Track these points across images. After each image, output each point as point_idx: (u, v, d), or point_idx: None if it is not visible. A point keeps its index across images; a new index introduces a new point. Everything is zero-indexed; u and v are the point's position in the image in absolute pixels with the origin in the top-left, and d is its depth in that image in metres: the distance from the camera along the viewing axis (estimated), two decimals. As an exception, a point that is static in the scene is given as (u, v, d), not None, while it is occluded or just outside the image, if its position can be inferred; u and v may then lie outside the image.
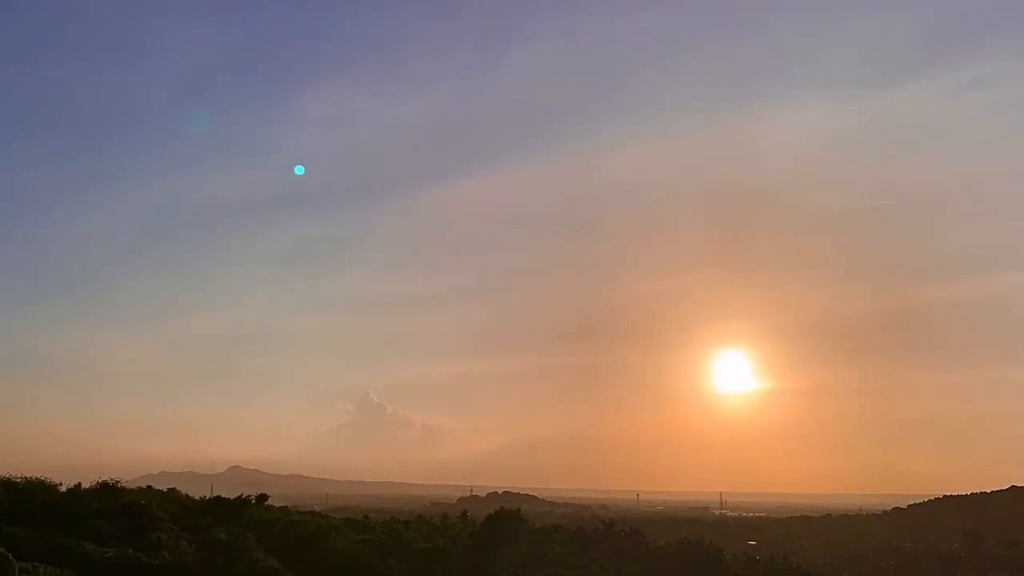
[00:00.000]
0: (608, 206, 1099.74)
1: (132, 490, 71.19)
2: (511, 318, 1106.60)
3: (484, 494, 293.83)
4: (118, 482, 66.54)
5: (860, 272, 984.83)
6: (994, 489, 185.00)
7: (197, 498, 77.25)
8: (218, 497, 75.82)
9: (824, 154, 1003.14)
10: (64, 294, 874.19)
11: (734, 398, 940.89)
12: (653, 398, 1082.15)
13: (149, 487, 79.99)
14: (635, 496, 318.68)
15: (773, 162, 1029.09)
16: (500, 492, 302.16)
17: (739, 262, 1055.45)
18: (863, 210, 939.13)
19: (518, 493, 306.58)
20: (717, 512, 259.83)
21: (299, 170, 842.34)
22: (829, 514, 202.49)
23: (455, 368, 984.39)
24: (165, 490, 78.28)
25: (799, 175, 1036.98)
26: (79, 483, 63.08)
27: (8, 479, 59.17)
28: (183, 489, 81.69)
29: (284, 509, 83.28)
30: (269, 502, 77.34)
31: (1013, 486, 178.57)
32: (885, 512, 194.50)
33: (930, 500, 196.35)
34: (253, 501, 73.37)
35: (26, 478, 60.11)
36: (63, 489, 61.83)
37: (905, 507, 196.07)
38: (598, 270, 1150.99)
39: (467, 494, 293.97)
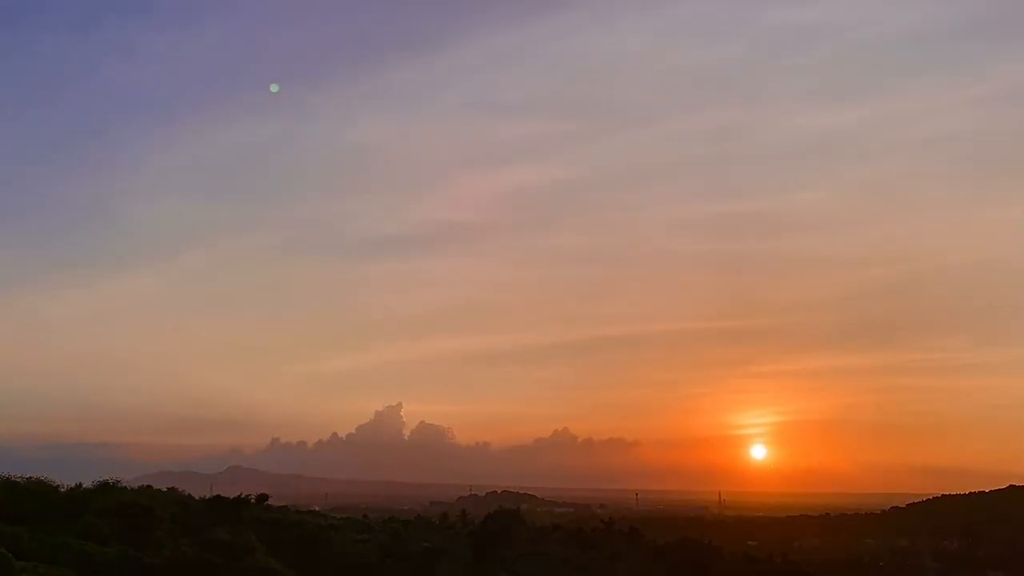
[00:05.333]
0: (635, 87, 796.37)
1: (132, 490, 71.31)
2: (522, 271, 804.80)
3: (483, 493, 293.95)
4: (118, 482, 66.74)
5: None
6: (993, 488, 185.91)
7: (197, 498, 77.34)
8: (218, 496, 75.88)
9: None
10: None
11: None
12: (660, 381, 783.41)
13: (149, 487, 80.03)
14: (634, 495, 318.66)
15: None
16: (499, 491, 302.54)
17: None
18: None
19: (517, 492, 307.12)
20: (716, 511, 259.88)
21: (274, 88, 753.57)
22: (828, 513, 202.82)
23: (449, 345, 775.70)
24: (165, 490, 78.34)
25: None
26: (79, 483, 63.17)
27: (8, 479, 59.20)
28: (182, 489, 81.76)
29: (284, 509, 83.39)
30: (269, 502, 77.46)
31: (1012, 485, 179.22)
32: (884, 511, 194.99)
33: (929, 499, 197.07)
34: (253, 501, 73.52)
35: (26, 478, 60.15)
36: (63, 489, 61.86)
37: (904, 506, 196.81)
38: (628, 190, 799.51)
39: (466, 493, 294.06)
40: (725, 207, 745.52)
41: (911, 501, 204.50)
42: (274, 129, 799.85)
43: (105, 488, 63.83)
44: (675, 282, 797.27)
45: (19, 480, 59.31)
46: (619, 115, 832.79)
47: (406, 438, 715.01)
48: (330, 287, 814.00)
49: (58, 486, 61.26)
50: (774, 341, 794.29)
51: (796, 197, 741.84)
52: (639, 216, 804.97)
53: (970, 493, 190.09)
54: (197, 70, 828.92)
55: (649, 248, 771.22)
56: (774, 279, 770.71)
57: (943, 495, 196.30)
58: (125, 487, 68.79)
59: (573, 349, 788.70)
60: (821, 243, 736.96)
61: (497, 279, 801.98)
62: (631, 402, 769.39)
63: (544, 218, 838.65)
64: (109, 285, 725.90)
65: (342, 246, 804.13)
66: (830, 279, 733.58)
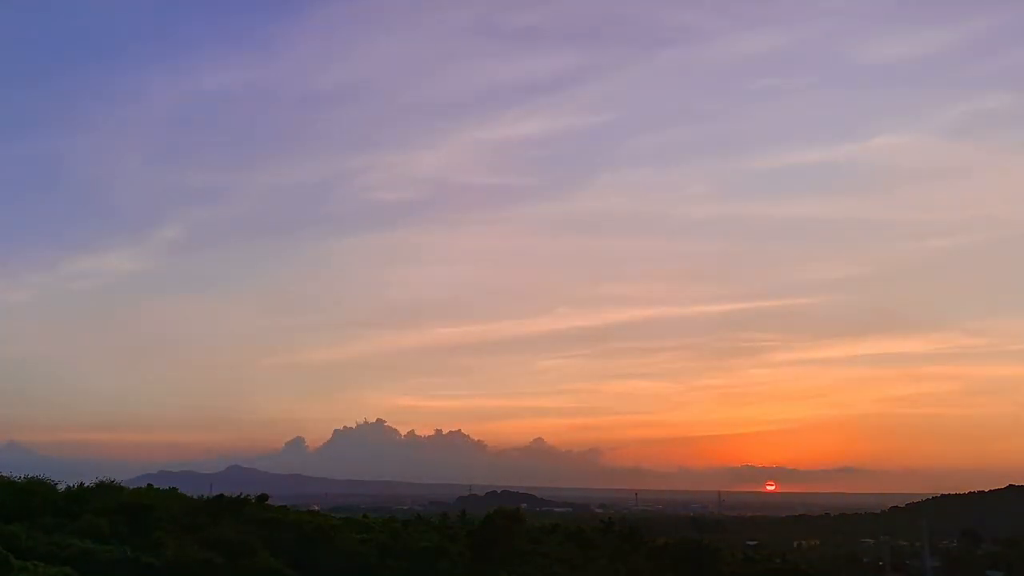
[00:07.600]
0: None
1: (132, 489, 71.15)
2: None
3: (483, 493, 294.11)
4: (116, 480, 66.60)
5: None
6: (992, 488, 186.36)
7: (197, 497, 77.20)
8: (218, 496, 75.73)
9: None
10: None
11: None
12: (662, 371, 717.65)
13: (149, 486, 79.89)
14: (634, 495, 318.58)
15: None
16: (499, 491, 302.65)
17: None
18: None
19: (517, 492, 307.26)
20: (716, 511, 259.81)
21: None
22: (828, 513, 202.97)
23: (447, 334, 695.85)
24: (165, 489, 78.20)
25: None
26: (80, 482, 63.09)
27: (7, 478, 59.12)
28: (183, 488, 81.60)
29: (284, 509, 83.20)
30: (269, 502, 77.34)
31: (1011, 485, 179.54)
32: (884, 511, 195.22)
33: (928, 499, 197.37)
34: (253, 500, 73.37)
35: (25, 477, 60.08)
36: (62, 488, 61.78)
37: (904, 506, 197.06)
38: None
39: (466, 493, 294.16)
40: (774, 161, 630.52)
41: (911, 501, 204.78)
42: (245, 75, 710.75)
43: (105, 487, 63.72)
44: (700, 257, 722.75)
45: (18, 479, 59.27)
46: (653, 40, 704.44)
47: (405, 437, 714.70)
48: (321, 267, 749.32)
49: (57, 485, 61.24)
50: (798, 327, 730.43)
51: (865, 146, 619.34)
52: (667, 173, 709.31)
53: (970, 493, 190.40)
54: (162, 4, 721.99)
55: (676, 215, 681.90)
56: (815, 252, 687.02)
57: (943, 495, 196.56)
58: (125, 486, 68.63)
59: (578, 338, 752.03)
60: (883, 205, 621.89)
61: (499, 256, 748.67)
62: (634, 398, 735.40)
63: (556, 179, 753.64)
64: (77, 266, 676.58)
65: (329, 218, 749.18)
66: (880, 250, 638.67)
